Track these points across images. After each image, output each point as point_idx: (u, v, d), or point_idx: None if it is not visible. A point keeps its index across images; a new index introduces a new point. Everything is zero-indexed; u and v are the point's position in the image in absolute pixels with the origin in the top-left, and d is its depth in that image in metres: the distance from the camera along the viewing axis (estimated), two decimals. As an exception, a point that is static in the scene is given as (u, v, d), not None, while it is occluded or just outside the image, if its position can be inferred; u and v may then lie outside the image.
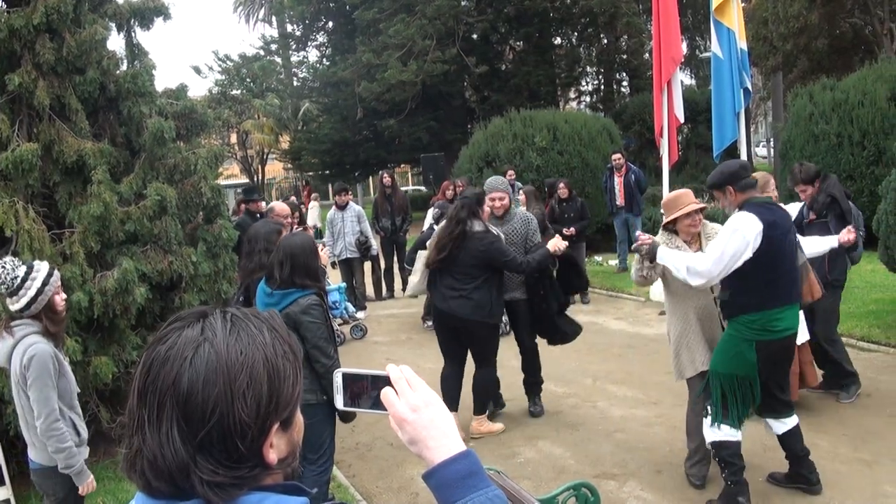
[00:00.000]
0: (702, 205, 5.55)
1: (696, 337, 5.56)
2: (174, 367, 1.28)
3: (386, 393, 1.51)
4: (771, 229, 4.91)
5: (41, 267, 4.10)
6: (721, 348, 5.21)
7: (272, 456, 1.33)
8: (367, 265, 13.44)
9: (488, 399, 7.34)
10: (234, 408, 1.26)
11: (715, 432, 5.24)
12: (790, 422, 5.40)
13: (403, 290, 13.64)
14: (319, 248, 5.53)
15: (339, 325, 10.83)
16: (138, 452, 1.28)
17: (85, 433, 4.32)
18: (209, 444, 1.26)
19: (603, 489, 5.72)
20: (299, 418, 1.44)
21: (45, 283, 4.05)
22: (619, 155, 14.45)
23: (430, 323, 11.38)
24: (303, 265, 4.74)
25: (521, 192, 12.08)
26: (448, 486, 1.43)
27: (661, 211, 5.82)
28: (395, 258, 13.66)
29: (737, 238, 4.91)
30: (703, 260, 5.02)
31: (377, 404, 1.54)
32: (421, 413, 1.49)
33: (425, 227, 12.46)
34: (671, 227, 5.58)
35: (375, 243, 12.87)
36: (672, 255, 5.25)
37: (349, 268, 12.55)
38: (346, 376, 1.58)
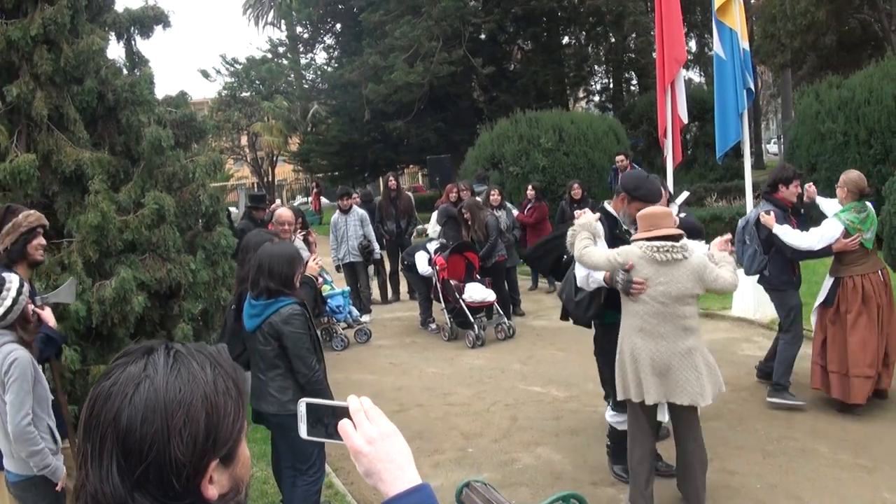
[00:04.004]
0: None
1: None
2: (115, 404, 1.29)
3: (343, 425, 1.52)
4: None
5: (12, 278, 4.09)
6: None
7: (212, 492, 1.34)
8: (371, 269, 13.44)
9: None
10: (170, 445, 1.27)
11: None
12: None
13: (409, 293, 13.68)
14: (311, 259, 5.53)
15: (343, 328, 10.85)
16: (82, 487, 1.30)
17: (61, 441, 4.29)
18: (146, 481, 1.27)
19: (600, 497, 5.72)
20: (244, 453, 1.43)
21: (19, 293, 4.05)
22: (622, 156, 14.36)
23: (433, 326, 11.39)
24: (274, 272, 4.75)
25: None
26: None
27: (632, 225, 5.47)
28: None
29: None
30: None
31: (338, 434, 1.54)
32: (377, 445, 1.49)
33: (429, 230, 12.48)
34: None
35: (378, 247, 12.84)
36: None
37: (353, 272, 12.53)
38: (309, 406, 1.59)
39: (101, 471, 1.27)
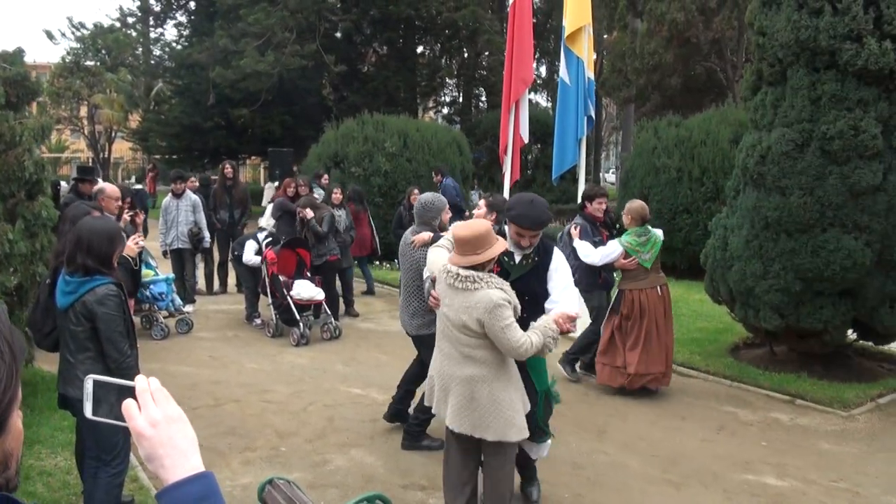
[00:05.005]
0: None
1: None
2: None
3: (127, 405, 1.42)
4: None
5: None
6: (543, 368, 5.29)
7: None
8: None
9: None
10: None
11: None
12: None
13: (236, 285, 13.38)
14: (131, 240, 5.30)
15: (164, 317, 10.49)
16: None
17: None
18: None
19: (409, 500, 5.74)
20: (16, 425, 1.32)
21: None
22: (434, 171, 15.30)
23: (258, 321, 11.18)
24: (93, 249, 4.53)
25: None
26: None
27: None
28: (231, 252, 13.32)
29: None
30: (574, 295, 5.32)
31: (123, 416, 1.45)
32: (160, 429, 1.41)
33: (263, 222, 12.27)
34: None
35: (209, 235, 12.49)
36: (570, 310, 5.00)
37: (180, 259, 12.11)
38: (95, 383, 1.49)
39: None
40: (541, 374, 5.27)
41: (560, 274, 5.19)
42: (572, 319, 4.76)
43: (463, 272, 4.56)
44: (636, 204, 8.27)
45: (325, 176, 14.33)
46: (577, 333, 5.38)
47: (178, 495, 1.37)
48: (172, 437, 1.41)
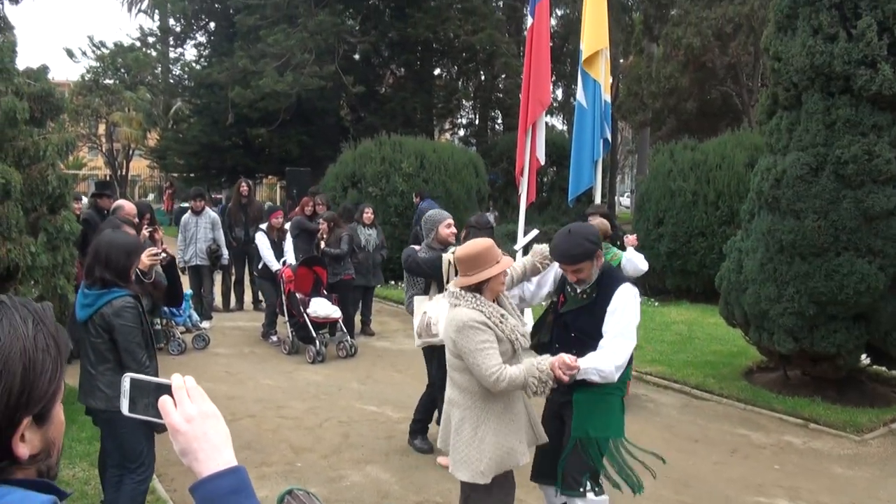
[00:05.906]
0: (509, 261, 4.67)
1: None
2: None
3: (163, 401, 1.50)
4: None
5: None
6: (592, 413, 4.62)
7: (22, 450, 1.31)
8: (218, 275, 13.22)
9: None
10: None
11: None
12: None
13: (253, 302, 13.49)
14: (145, 254, 5.35)
15: (181, 332, 10.58)
16: None
17: None
18: None
19: (422, 517, 5.78)
20: (59, 416, 1.41)
21: None
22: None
23: (274, 338, 11.25)
24: (111, 262, 4.59)
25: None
26: (212, 500, 1.43)
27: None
28: (247, 270, 13.41)
29: (636, 307, 4.61)
30: (620, 348, 4.42)
31: (159, 413, 1.52)
32: (195, 424, 1.49)
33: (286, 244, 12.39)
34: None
35: (227, 253, 12.60)
36: (593, 362, 4.32)
37: (198, 275, 12.24)
38: (133, 381, 1.56)
39: None
40: (584, 420, 4.62)
41: (616, 318, 4.50)
42: (571, 368, 4.12)
43: (452, 289, 4.46)
44: (596, 221, 8.14)
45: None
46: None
47: (211, 488, 1.44)
48: (207, 433, 1.49)
